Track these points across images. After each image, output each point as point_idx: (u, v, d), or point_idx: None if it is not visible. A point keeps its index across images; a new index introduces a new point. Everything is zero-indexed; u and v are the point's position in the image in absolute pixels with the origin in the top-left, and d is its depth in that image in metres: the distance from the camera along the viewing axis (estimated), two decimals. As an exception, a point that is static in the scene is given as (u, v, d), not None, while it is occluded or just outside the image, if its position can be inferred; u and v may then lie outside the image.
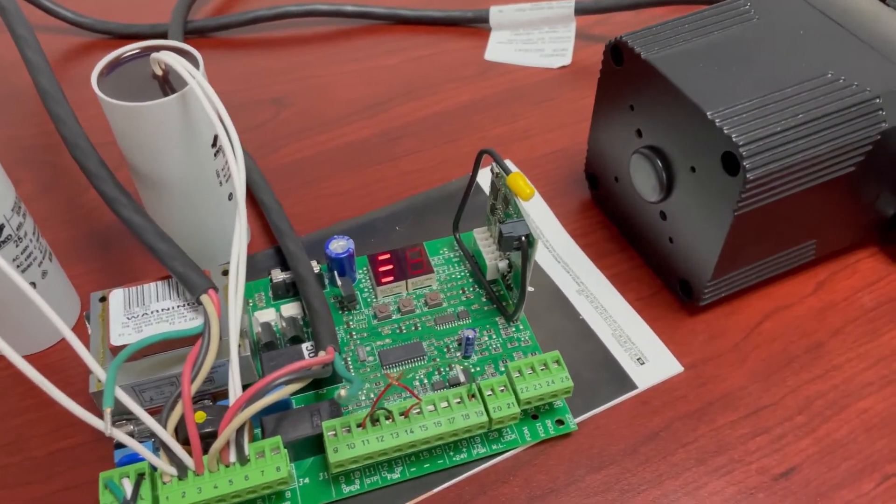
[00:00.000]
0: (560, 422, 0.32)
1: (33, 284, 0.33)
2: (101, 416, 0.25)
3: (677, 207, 0.34)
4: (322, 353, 0.30)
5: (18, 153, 0.44)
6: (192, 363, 0.28)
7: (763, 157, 0.30)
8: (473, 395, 0.30)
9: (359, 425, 0.29)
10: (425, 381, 0.33)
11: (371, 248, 0.39)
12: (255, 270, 0.38)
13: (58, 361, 0.35)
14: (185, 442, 0.27)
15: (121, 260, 0.39)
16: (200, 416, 0.28)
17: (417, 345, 0.34)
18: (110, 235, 0.40)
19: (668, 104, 0.32)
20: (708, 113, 0.30)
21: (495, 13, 0.52)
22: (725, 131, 0.30)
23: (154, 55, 0.31)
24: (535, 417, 0.32)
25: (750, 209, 0.31)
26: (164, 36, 0.50)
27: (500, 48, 0.51)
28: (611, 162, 0.38)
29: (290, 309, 0.35)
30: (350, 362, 0.33)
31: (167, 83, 0.32)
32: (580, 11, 0.50)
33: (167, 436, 0.27)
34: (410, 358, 0.33)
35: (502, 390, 0.30)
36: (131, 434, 0.30)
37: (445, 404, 0.29)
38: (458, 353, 0.34)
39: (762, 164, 0.29)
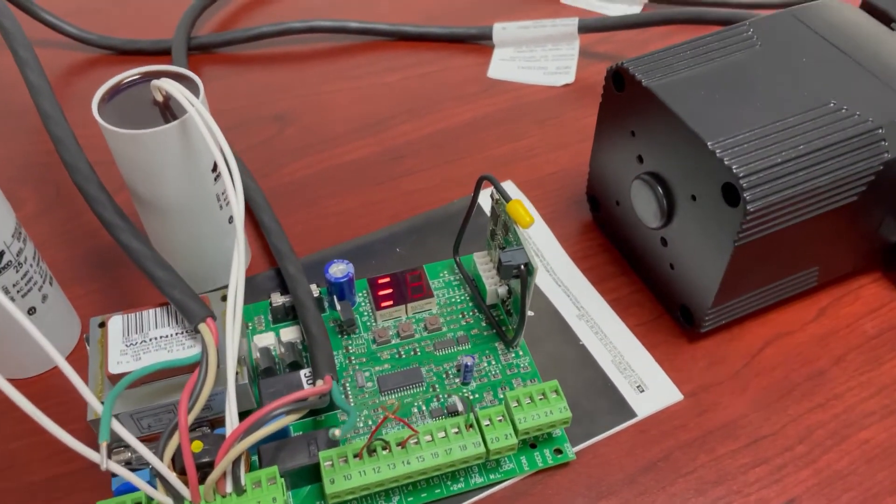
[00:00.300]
0: (558, 451, 0.31)
1: (33, 309, 0.33)
2: (97, 445, 0.25)
3: (678, 234, 0.34)
4: (320, 383, 0.30)
5: (21, 171, 0.45)
6: (190, 393, 0.28)
7: (764, 188, 0.29)
8: (471, 426, 0.30)
9: (356, 455, 0.29)
10: (423, 408, 0.33)
11: (371, 270, 0.39)
12: (255, 292, 0.38)
13: (59, 385, 0.35)
14: (181, 471, 0.28)
15: (122, 281, 0.39)
16: (197, 445, 0.28)
17: (416, 370, 0.34)
18: (112, 256, 0.40)
19: (668, 132, 0.32)
20: (708, 143, 0.30)
21: (499, 30, 0.52)
22: (726, 162, 0.30)
23: (154, 82, 0.31)
24: (533, 446, 0.31)
25: (750, 240, 0.30)
26: (167, 52, 0.51)
27: (504, 65, 0.51)
28: (612, 186, 0.38)
29: (290, 333, 0.35)
30: (349, 388, 0.33)
31: (168, 109, 0.32)
32: (584, 29, 0.50)
33: (163, 467, 0.27)
34: (409, 384, 0.33)
35: (500, 420, 0.30)
36: (129, 462, 0.30)
37: (443, 434, 0.29)
38: (457, 380, 0.34)
39: (763, 195, 0.29)
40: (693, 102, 0.32)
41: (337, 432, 0.26)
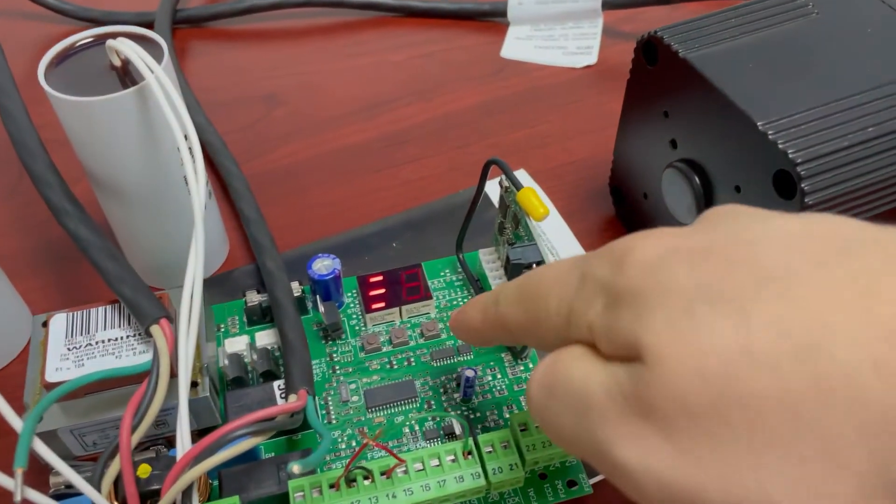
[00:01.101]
0: (572, 483, 0.27)
1: (-30, 304, 0.29)
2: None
3: (717, 232, 0.29)
4: (293, 398, 0.25)
5: (-16, 150, 0.41)
6: (136, 407, 0.23)
7: (824, 178, 0.25)
8: (470, 453, 0.25)
9: (332, 486, 0.24)
10: (416, 428, 0.28)
11: (364, 267, 0.34)
12: (231, 289, 0.33)
13: (3, 389, 0.30)
14: (125, 500, 0.23)
15: (82, 275, 0.35)
16: (145, 469, 0.24)
17: (409, 384, 0.29)
18: (73, 247, 0.35)
19: (709, 111, 0.27)
20: (759, 123, 0.25)
21: (514, 6, 0.47)
22: (780, 146, 0.25)
23: (109, 43, 0.27)
24: (543, 477, 0.27)
25: (807, 239, 0.26)
26: (150, 25, 0.46)
27: (519, 45, 0.46)
28: (639, 176, 0.33)
29: (266, 337, 0.30)
30: (330, 403, 0.29)
31: (127, 75, 0.28)
32: (608, 6, 0.45)
33: (98, 496, 0.22)
34: (400, 399, 0.29)
35: (504, 447, 0.25)
36: (69, 485, 0.25)
37: (436, 463, 0.25)
38: (457, 396, 0.29)
39: (823, 186, 0.24)
40: (739, 77, 0.27)
41: (296, 468, 0.21)
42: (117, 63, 0.28)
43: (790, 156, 0.24)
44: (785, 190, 0.25)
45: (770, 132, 0.25)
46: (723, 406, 0.14)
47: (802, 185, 0.24)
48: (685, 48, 0.28)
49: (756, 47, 0.28)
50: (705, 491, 0.14)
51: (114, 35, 0.28)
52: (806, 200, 0.24)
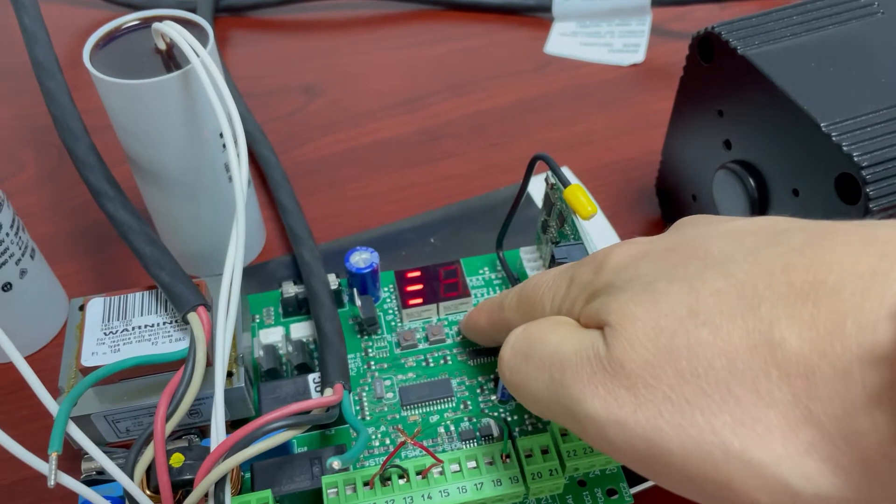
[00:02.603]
0: (612, 492, 0.26)
1: (8, 285, 0.28)
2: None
3: (770, 237, 0.28)
4: (329, 392, 0.25)
5: (26, 133, 0.41)
6: (171, 396, 0.23)
7: (890, 183, 0.23)
8: (508, 456, 0.24)
9: (366, 484, 0.24)
10: (451, 428, 0.27)
11: (400, 262, 0.34)
12: (267, 280, 0.33)
13: (40, 370, 0.30)
14: (156, 489, 0.23)
15: (121, 260, 0.34)
16: (177, 458, 0.24)
17: (445, 382, 0.28)
18: (113, 231, 0.35)
19: (768, 111, 0.26)
20: (822, 124, 0.24)
21: (560, 1, 0.46)
22: (844, 148, 0.24)
23: (155, 26, 0.27)
24: (582, 484, 0.26)
25: (869, 247, 0.24)
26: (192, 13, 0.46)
27: (563, 41, 0.45)
28: (689, 177, 0.32)
29: (301, 329, 0.30)
30: (365, 398, 0.28)
31: (172, 59, 0.27)
32: (658, 3, 0.44)
33: (131, 484, 0.22)
34: (436, 398, 0.28)
35: (545, 452, 0.24)
36: (100, 471, 0.25)
37: (473, 465, 0.24)
38: (494, 397, 0.28)
39: (889, 191, 0.23)
40: (801, 76, 0.26)
41: (336, 464, 0.20)
42: (162, 46, 0.27)
43: (855, 159, 0.23)
44: (848, 194, 0.24)
45: (834, 134, 0.24)
46: (673, 356, 0.16)
47: (867, 190, 0.23)
48: (744, 45, 0.27)
49: (818, 46, 0.27)
50: (662, 432, 0.16)
51: (160, 18, 0.28)
52: (870, 206, 0.23)
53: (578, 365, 0.18)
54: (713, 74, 0.29)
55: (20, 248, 0.29)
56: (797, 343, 0.15)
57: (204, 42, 0.27)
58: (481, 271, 0.32)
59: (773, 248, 0.17)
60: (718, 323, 0.16)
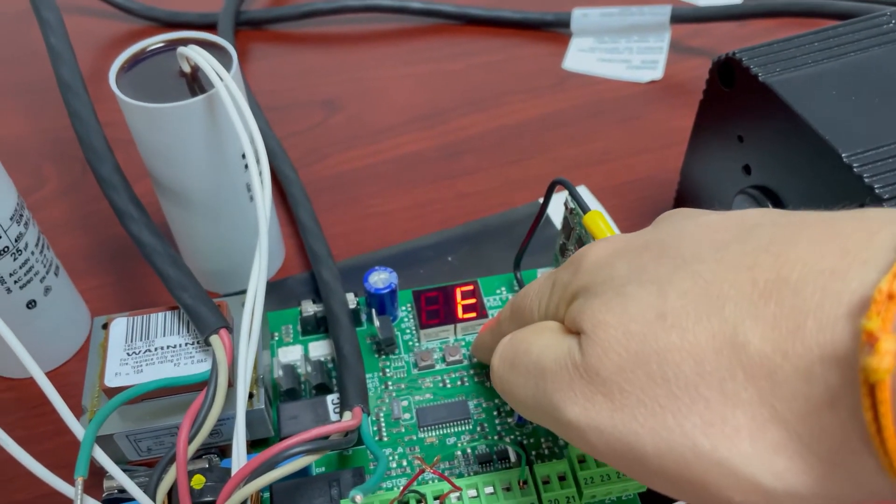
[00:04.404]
0: (628, 518, 0.26)
1: (33, 303, 0.29)
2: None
3: (789, 264, 0.28)
4: (348, 415, 0.25)
5: (49, 147, 0.41)
6: (193, 418, 0.23)
7: (912, 214, 0.23)
8: (525, 482, 0.24)
9: (384, 508, 0.24)
10: (468, 451, 0.27)
11: (418, 280, 0.34)
12: (286, 297, 0.33)
13: (60, 386, 0.31)
14: (178, 510, 0.23)
15: (142, 276, 0.35)
16: (199, 480, 0.24)
17: (462, 404, 0.29)
18: (131, 248, 0.36)
19: (788, 139, 0.26)
20: (843, 154, 0.24)
21: (578, 17, 0.46)
22: (866, 180, 0.24)
23: (180, 50, 0.27)
24: (598, 510, 0.26)
25: (890, 278, 0.24)
26: (214, 25, 0.47)
27: (581, 57, 0.45)
28: (708, 200, 0.32)
29: (320, 347, 0.30)
30: (382, 420, 0.28)
31: (196, 82, 0.28)
32: (677, 19, 0.44)
33: (154, 507, 0.22)
34: (453, 420, 0.28)
35: (562, 479, 0.25)
36: (122, 489, 0.25)
37: (491, 491, 0.24)
38: (511, 420, 0.28)
39: (912, 223, 0.23)
40: (822, 104, 0.26)
41: (358, 498, 0.21)
42: (187, 69, 0.28)
43: (877, 191, 0.23)
44: (869, 226, 0.24)
45: (855, 165, 0.24)
46: (643, 360, 0.17)
47: (889, 223, 0.23)
48: (765, 72, 0.27)
49: (840, 73, 0.27)
50: (637, 435, 0.17)
51: (185, 41, 0.28)
52: (892, 238, 0.23)
53: (558, 373, 0.19)
54: (734, 100, 0.29)
55: (45, 266, 0.29)
56: (760, 344, 0.15)
57: (228, 64, 0.27)
58: (499, 291, 0.33)
59: (740, 245, 0.17)
60: (685, 325, 0.16)
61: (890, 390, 0.13)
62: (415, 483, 0.24)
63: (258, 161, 0.25)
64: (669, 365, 0.16)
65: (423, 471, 0.23)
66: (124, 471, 0.26)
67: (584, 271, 0.20)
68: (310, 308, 0.31)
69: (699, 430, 0.16)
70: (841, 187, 0.24)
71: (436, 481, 0.24)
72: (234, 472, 0.23)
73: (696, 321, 0.16)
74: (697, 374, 0.16)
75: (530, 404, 0.20)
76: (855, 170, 0.24)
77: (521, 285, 0.32)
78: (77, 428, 0.21)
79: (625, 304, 0.18)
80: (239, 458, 0.23)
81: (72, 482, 0.21)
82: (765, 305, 0.15)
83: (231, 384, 0.25)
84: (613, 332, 0.17)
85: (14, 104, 0.44)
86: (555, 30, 0.47)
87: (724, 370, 0.16)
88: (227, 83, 0.26)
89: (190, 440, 0.23)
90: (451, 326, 0.31)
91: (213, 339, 0.25)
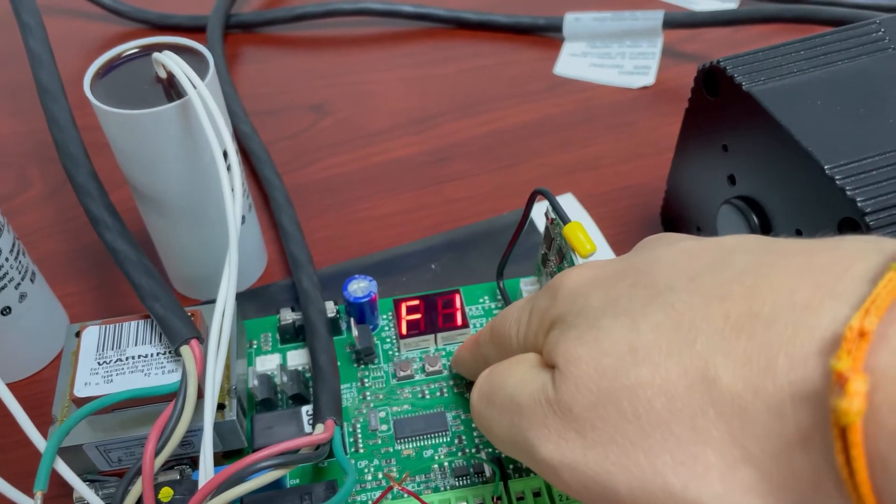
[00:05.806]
0: (605, 534, 0.25)
1: (8, 309, 0.29)
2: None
3: (774, 277, 0.27)
4: (319, 428, 0.25)
5: (35, 149, 0.41)
6: (160, 430, 0.23)
7: (895, 230, 0.23)
8: (500, 498, 0.24)
9: (354, 523, 0.23)
10: (445, 464, 0.27)
11: (401, 287, 0.34)
12: (267, 304, 0.33)
13: (36, 394, 0.31)
14: (146, 523, 0.23)
15: (121, 283, 0.34)
16: (166, 493, 0.24)
17: (440, 416, 0.28)
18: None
19: (772, 150, 0.26)
20: (826, 166, 0.24)
21: (570, 21, 0.46)
22: (848, 192, 0.23)
23: (155, 56, 0.27)
24: (574, 526, 0.26)
25: (873, 293, 0.24)
26: (203, 28, 0.46)
27: (573, 62, 0.45)
28: (694, 209, 0.31)
29: (299, 356, 0.30)
30: (359, 431, 0.28)
31: (173, 87, 0.27)
32: (669, 24, 0.43)
33: (118, 521, 0.22)
34: (430, 432, 0.28)
35: (536, 495, 0.24)
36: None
37: (463, 506, 0.24)
38: (488, 432, 0.28)
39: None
40: (806, 115, 0.25)
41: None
42: (163, 75, 0.27)
43: (859, 204, 0.23)
44: (852, 240, 0.23)
45: (838, 177, 0.23)
46: (615, 398, 0.16)
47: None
48: (749, 81, 0.27)
49: (826, 83, 0.27)
50: (610, 474, 0.16)
51: (160, 47, 0.28)
52: (874, 253, 0.23)
53: (532, 409, 0.18)
54: (718, 109, 0.28)
55: (20, 273, 0.29)
56: (731, 380, 0.15)
57: (204, 71, 0.27)
58: (481, 300, 0.32)
59: (713, 276, 0.17)
60: (657, 360, 0.16)
61: (861, 433, 0.13)
62: (385, 499, 0.23)
63: (229, 170, 0.25)
64: (641, 401, 0.16)
65: (391, 488, 0.23)
66: (94, 481, 0.26)
67: (561, 299, 0.20)
68: (288, 316, 0.30)
69: (670, 469, 0.16)
70: (824, 199, 0.24)
71: (404, 497, 0.23)
72: (200, 485, 0.22)
73: (668, 356, 0.16)
74: (669, 410, 0.16)
75: (506, 440, 0.20)
76: (838, 182, 0.23)
77: (503, 295, 0.32)
78: (39, 439, 0.21)
79: (598, 337, 0.17)
80: (206, 471, 0.23)
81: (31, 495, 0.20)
82: (736, 340, 0.15)
83: (201, 395, 0.24)
84: (585, 367, 0.17)
85: (0, 106, 0.44)
86: (547, 34, 0.47)
87: (695, 407, 0.15)
88: (199, 91, 0.26)
89: (158, 452, 0.23)
90: (432, 336, 0.30)
91: (184, 349, 0.24)
